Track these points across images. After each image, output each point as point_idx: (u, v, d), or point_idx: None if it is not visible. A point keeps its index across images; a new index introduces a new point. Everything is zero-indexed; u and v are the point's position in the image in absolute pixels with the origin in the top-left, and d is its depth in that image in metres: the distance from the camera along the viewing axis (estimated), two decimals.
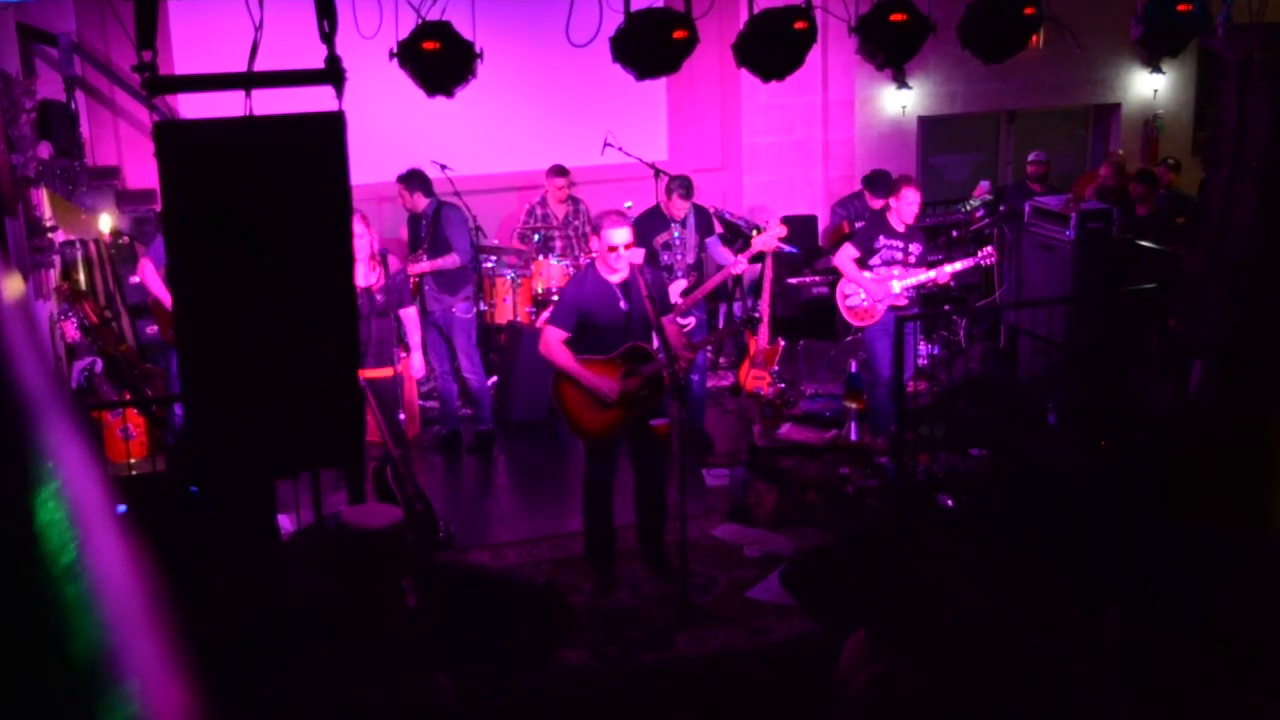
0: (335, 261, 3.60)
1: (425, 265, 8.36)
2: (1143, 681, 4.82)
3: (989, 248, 8.50)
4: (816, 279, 10.61)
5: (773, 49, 6.78)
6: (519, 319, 9.30)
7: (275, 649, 5.00)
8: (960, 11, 6.95)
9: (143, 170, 9.46)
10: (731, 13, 8.36)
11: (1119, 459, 6.64)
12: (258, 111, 3.55)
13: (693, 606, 6.20)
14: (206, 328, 3.54)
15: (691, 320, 8.19)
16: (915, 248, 8.05)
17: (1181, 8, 7.14)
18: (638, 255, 6.21)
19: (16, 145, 6.75)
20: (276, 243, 3.49)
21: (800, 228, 10.99)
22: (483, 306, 9.33)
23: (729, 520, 7.30)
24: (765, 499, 7.26)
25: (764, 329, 8.67)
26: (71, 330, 7.37)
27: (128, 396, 7.30)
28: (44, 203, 7.39)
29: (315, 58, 3.63)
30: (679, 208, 8.28)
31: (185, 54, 9.25)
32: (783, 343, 8.89)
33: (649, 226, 8.20)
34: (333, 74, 3.61)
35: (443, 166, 9.62)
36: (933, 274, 8.03)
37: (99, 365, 7.47)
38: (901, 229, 7.98)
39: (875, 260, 8.04)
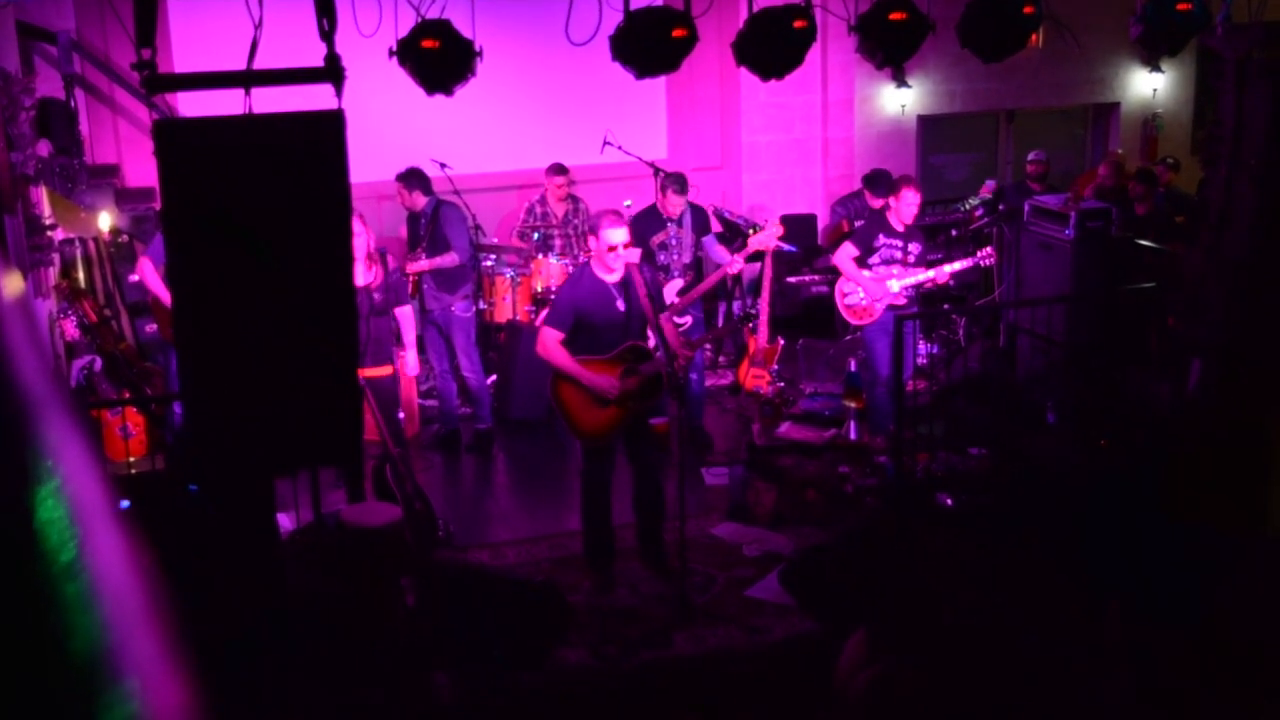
0: (335, 260, 3.60)
1: (424, 264, 8.35)
2: (1143, 681, 4.81)
3: (988, 248, 8.50)
4: (816, 278, 10.61)
5: (772, 48, 6.77)
6: (518, 318, 9.30)
7: (274, 647, 5.00)
8: (959, 10, 6.95)
9: (142, 168, 9.46)
10: (731, 11, 8.35)
11: (1118, 458, 6.64)
12: (257, 110, 3.55)
13: (691, 605, 6.20)
14: (206, 326, 3.54)
15: (688, 319, 8.19)
16: (914, 247, 8.05)
17: (1181, 7, 7.14)
18: (634, 255, 6.22)
19: (16, 143, 6.74)
20: (276, 241, 3.48)
21: (799, 226, 10.99)
22: (482, 305, 9.33)
23: (728, 519, 7.30)
24: (764, 498, 7.26)
25: (763, 328, 8.67)
26: (71, 328, 7.36)
27: (127, 395, 7.30)
28: (43, 201, 7.38)
29: (315, 56, 3.62)
30: (674, 204, 8.27)
31: (185, 52, 9.25)
32: (782, 341, 8.89)
33: (645, 226, 8.20)
34: (332, 72, 3.60)
35: (442, 165, 9.62)
36: (931, 274, 8.03)
37: (98, 364, 7.46)
38: (901, 228, 7.98)
39: (874, 259, 8.04)
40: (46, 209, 7.41)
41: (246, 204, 3.45)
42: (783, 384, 8.91)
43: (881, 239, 8.03)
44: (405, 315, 7.21)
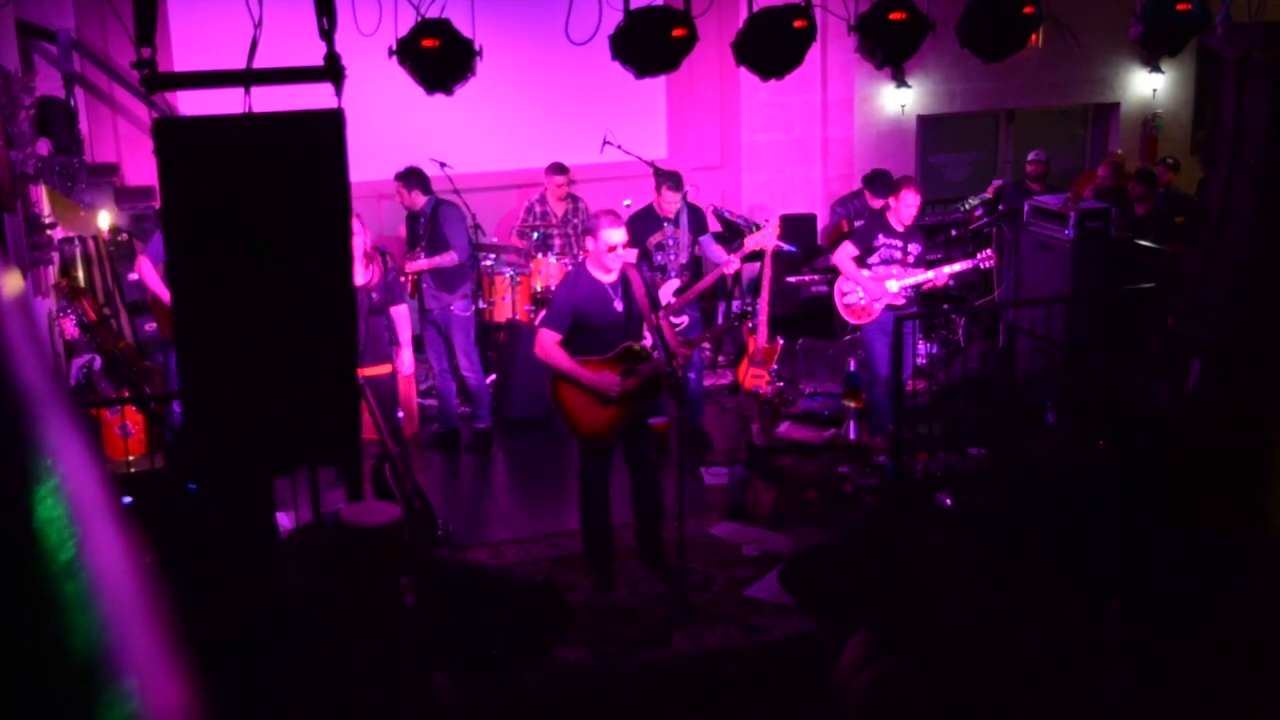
0: (334, 259, 3.60)
1: (423, 263, 8.35)
2: (1143, 681, 4.82)
3: (988, 250, 8.50)
4: (815, 278, 10.61)
5: (772, 47, 6.77)
6: (518, 317, 9.30)
7: (273, 646, 5.00)
8: (959, 10, 6.95)
9: (142, 167, 9.46)
10: (731, 11, 8.36)
11: (1118, 458, 6.64)
12: (257, 109, 3.55)
13: (691, 605, 6.20)
14: (205, 325, 3.54)
15: (684, 319, 8.19)
16: (914, 248, 8.05)
17: (1181, 7, 7.14)
18: (631, 255, 6.23)
19: (15, 142, 6.74)
20: (276, 240, 3.48)
21: (799, 226, 10.99)
22: (481, 304, 9.33)
23: (727, 519, 7.30)
24: (763, 497, 7.26)
25: (762, 328, 8.66)
26: (70, 327, 7.36)
27: (126, 394, 7.29)
28: (43, 199, 7.38)
29: (315, 55, 3.62)
30: (669, 201, 8.26)
31: (184, 51, 9.25)
32: (781, 341, 8.89)
33: (642, 227, 8.20)
34: (332, 71, 3.60)
35: (442, 164, 9.62)
36: (930, 274, 8.03)
37: (97, 362, 7.45)
38: (900, 229, 7.99)
39: (874, 259, 8.04)
40: (46, 208, 7.40)
41: (246, 203, 3.45)
42: (782, 384, 8.91)
43: (881, 239, 8.03)
44: (401, 314, 7.22)
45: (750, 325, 8.81)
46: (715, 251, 8.48)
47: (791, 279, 10.64)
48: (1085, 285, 7.83)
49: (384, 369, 7.01)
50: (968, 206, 10.68)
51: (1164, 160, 11.00)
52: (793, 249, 10.25)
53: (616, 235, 6.15)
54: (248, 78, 3.56)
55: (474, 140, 10.34)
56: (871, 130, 11.65)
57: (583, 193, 10.18)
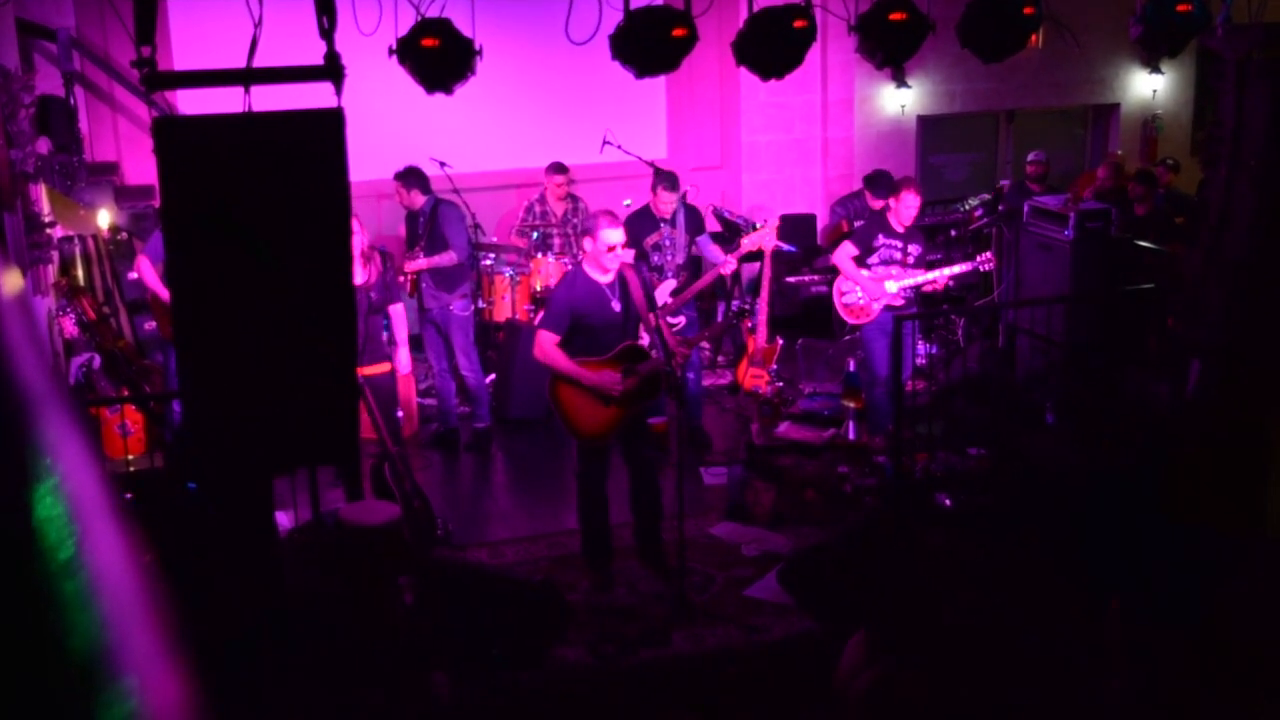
0: (334, 258, 3.60)
1: (422, 263, 8.35)
2: (1143, 681, 4.81)
3: (987, 253, 8.51)
4: (815, 278, 10.61)
5: (772, 47, 6.77)
6: (517, 317, 9.30)
7: (272, 646, 5.00)
8: (959, 11, 6.95)
9: (141, 166, 9.46)
10: (731, 11, 8.35)
11: (1118, 459, 6.64)
12: (257, 108, 3.54)
13: (690, 604, 6.20)
14: (205, 324, 3.54)
15: (681, 319, 8.18)
16: (914, 248, 8.05)
17: (1181, 8, 7.14)
18: (628, 255, 6.23)
19: (15, 140, 6.73)
20: (275, 239, 3.48)
21: (799, 226, 10.99)
22: (480, 304, 9.33)
23: (727, 519, 7.30)
24: (763, 497, 7.26)
25: (762, 328, 8.66)
26: (69, 326, 7.36)
27: (125, 393, 7.29)
28: (42, 198, 7.38)
29: (314, 54, 3.62)
30: (665, 201, 8.25)
31: (184, 50, 9.25)
32: (781, 341, 8.89)
33: (639, 227, 8.19)
34: (332, 71, 3.60)
35: (442, 164, 9.62)
36: (930, 276, 8.03)
37: (97, 361, 7.45)
38: (900, 230, 7.99)
39: (874, 259, 8.04)
40: (46, 206, 7.40)
41: (246, 202, 3.44)
42: (781, 384, 8.91)
43: (881, 239, 8.03)
44: (398, 313, 7.23)
45: (750, 325, 8.80)
46: (713, 252, 8.48)
47: (791, 279, 10.64)
48: (1085, 285, 7.83)
49: (383, 368, 7.03)
50: (968, 207, 10.68)
51: (1164, 161, 11.00)
52: (793, 249, 10.25)
53: (615, 235, 6.15)
54: (247, 77, 3.56)
55: (474, 140, 10.34)
56: (871, 130, 11.65)
57: (582, 193, 10.18)
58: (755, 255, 8.29)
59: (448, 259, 8.32)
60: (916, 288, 8.08)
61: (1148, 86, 12.35)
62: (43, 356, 0.92)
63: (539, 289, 9.28)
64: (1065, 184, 11.19)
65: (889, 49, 6.94)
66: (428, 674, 5.52)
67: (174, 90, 7.66)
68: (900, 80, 11.38)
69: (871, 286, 7.99)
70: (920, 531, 6.62)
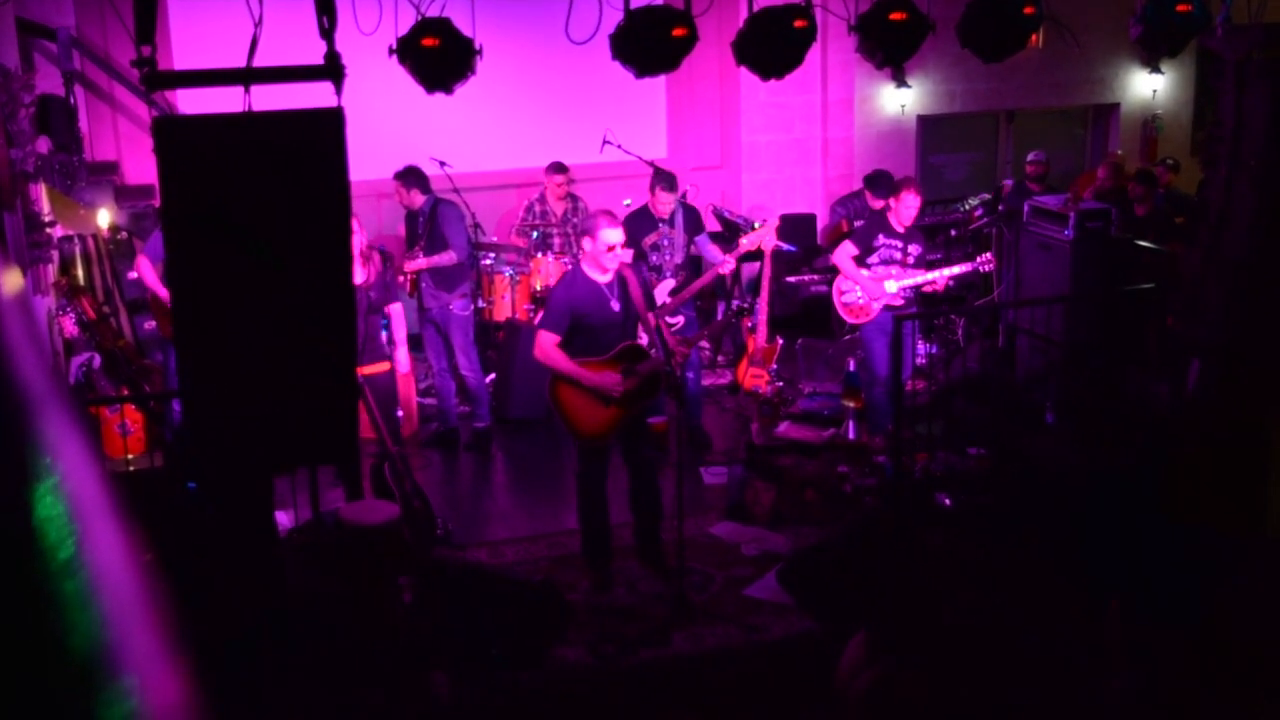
0: (334, 258, 3.59)
1: (422, 262, 8.35)
2: (1143, 681, 4.81)
3: (987, 254, 8.51)
4: (815, 277, 10.61)
5: (772, 47, 6.77)
6: (517, 316, 9.30)
7: (272, 645, 5.00)
8: (960, 10, 6.95)
9: (141, 165, 9.46)
10: (731, 11, 8.35)
11: (1118, 459, 6.64)
12: (257, 107, 3.54)
13: (690, 604, 6.20)
14: (205, 324, 3.54)
15: (680, 319, 8.18)
16: (914, 248, 8.05)
17: (1181, 8, 7.14)
18: (626, 255, 6.23)
19: (15, 140, 6.73)
20: (275, 239, 3.48)
21: (799, 226, 10.99)
22: (480, 304, 9.33)
23: (726, 518, 7.30)
24: (763, 497, 7.26)
25: (762, 327, 8.66)
26: (69, 325, 7.36)
27: (125, 392, 7.29)
28: (42, 198, 7.38)
29: (315, 54, 3.62)
30: (664, 201, 8.25)
31: (184, 49, 9.25)
32: (781, 341, 8.89)
33: (637, 227, 8.19)
34: (332, 70, 3.60)
35: (442, 163, 9.62)
36: (930, 276, 8.03)
37: (97, 361, 7.45)
38: (901, 230, 7.99)
39: (874, 259, 8.04)
40: (46, 206, 7.40)
41: (246, 202, 3.44)
42: (781, 383, 8.91)
43: (881, 239, 8.03)
44: (396, 312, 7.23)
45: (750, 325, 8.80)
46: (711, 251, 8.48)
47: (791, 279, 10.63)
48: (1085, 285, 7.82)
49: (382, 367, 7.03)
50: (968, 207, 10.68)
51: (1164, 161, 11.00)
52: (793, 249, 10.24)
53: (614, 235, 6.15)
54: (248, 76, 3.56)
55: (474, 139, 10.34)
56: (871, 130, 11.65)
57: (582, 192, 10.18)
58: (755, 255, 8.28)
59: (447, 258, 8.32)
60: (916, 288, 8.08)
61: (1148, 86, 12.36)
62: (43, 356, 0.92)
63: (539, 289, 9.28)
64: (1065, 184, 11.19)
65: (889, 49, 6.94)
66: (428, 674, 5.52)
67: (174, 90, 7.66)
68: (900, 80, 11.38)
69: (871, 286, 7.99)
70: (920, 531, 6.62)
